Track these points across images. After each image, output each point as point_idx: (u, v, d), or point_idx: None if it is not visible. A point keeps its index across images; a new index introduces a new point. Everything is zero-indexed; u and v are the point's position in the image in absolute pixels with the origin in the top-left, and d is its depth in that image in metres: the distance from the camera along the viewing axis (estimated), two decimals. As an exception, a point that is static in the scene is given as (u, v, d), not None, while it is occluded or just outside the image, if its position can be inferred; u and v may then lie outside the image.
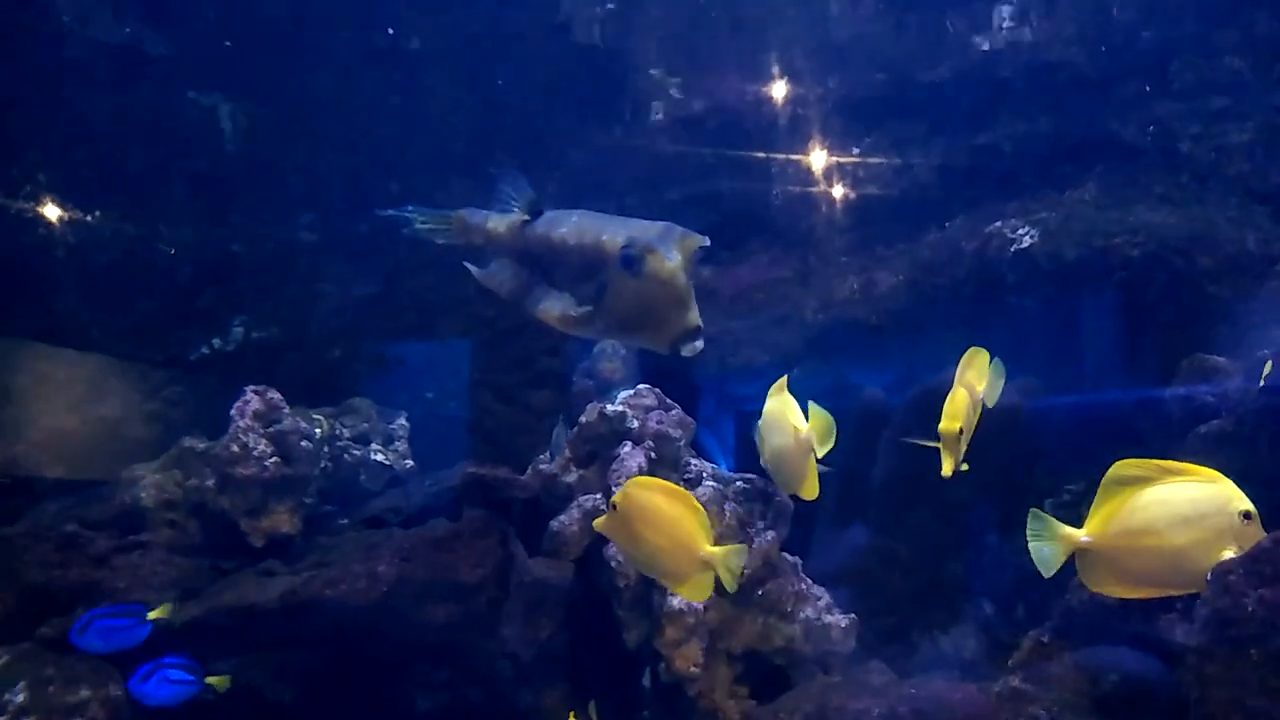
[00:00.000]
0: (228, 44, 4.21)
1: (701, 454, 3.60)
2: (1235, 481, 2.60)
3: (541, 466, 3.48)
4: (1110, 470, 1.98)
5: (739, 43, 4.51)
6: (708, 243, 2.10)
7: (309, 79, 4.36)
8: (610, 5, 4.44)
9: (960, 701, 2.72)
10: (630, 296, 2.09)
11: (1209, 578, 2.06)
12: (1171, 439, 3.07)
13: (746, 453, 4.44)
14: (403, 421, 3.85)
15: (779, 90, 4.48)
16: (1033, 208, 4.08)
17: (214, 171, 4.36)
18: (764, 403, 3.96)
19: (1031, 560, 2.70)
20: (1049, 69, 4.26)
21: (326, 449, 3.47)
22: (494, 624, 3.05)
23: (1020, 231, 3.87)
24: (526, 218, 2.29)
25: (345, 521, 3.48)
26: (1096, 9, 4.20)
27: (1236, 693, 2.08)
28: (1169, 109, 4.09)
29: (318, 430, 3.41)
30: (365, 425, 3.72)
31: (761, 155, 4.52)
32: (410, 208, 2.44)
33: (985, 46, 4.35)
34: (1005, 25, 4.33)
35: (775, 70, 4.44)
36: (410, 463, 3.74)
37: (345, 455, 3.55)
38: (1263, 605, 2.10)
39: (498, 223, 2.37)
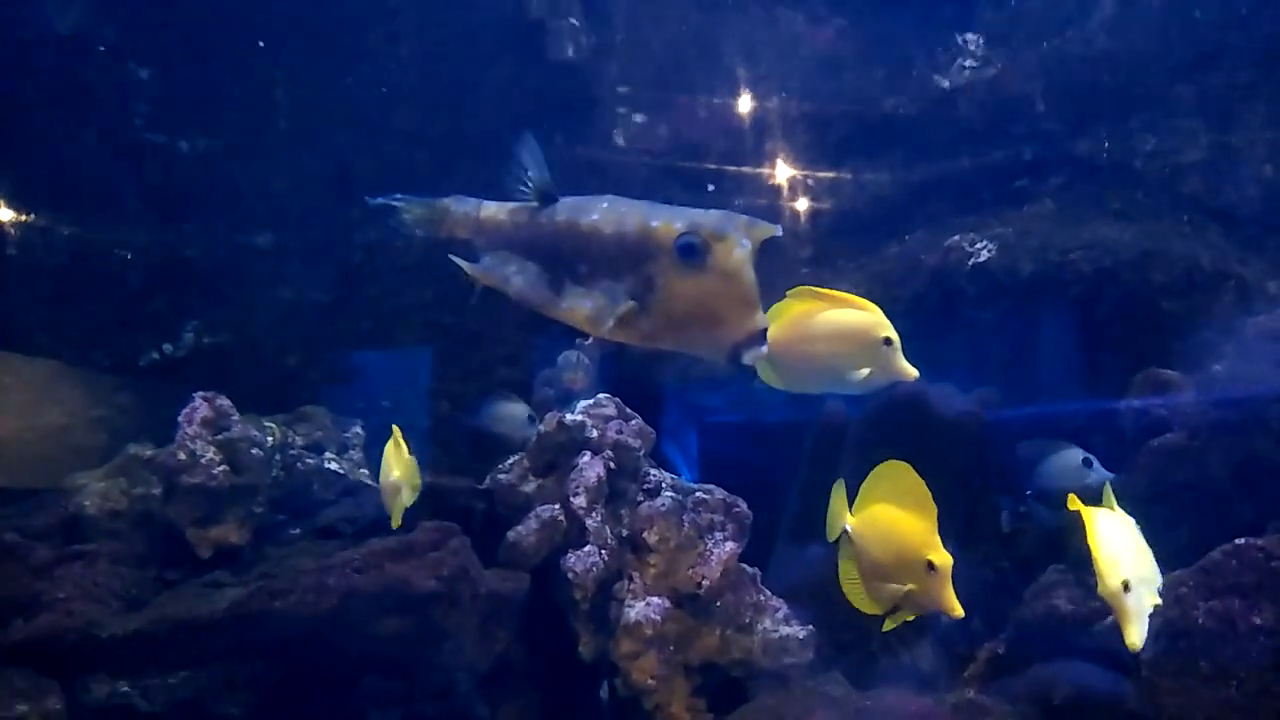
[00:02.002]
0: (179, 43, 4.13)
1: (664, 465, 3.58)
2: (1187, 495, 2.67)
3: (500, 476, 3.44)
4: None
5: (707, 63, 4.52)
6: (779, 232, 1.87)
7: (266, 86, 4.29)
8: (574, 20, 4.43)
9: (916, 714, 2.72)
10: (687, 293, 1.82)
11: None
12: (1125, 451, 3.11)
13: (708, 463, 4.46)
14: (358, 430, 3.78)
15: (743, 108, 4.49)
16: (991, 223, 4.12)
17: (167, 174, 4.27)
18: (727, 415, 3.98)
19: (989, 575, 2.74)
20: (1009, 98, 4.31)
21: (278, 457, 3.39)
22: (449, 636, 3.00)
23: (978, 246, 3.91)
24: (534, 204, 2.04)
25: (297, 531, 3.40)
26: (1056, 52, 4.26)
27: (1188, 704, 2.10)
28: (1125, 128, 4.16)
29: (269, 438, 3.34)
30: (319, 433, 3.65)
31: (727, 170, 4.52)
32: (399, 196, 2.18)
33: (946, 85, 4.40)
34: (968, 58, 4.38)
35: (740, 90, 4.45)
36: (365, 472, 3.67)
37: (298, 464, 3.48)
38: (1212, 617, 2.13)
39: (496, 210, 2.11)
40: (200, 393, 3.25)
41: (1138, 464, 3.03)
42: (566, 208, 2.01)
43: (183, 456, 3.11)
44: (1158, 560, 2.43)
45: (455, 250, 2.11)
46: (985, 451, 3.54)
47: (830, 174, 4.53)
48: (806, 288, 2.18)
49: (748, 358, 1.82)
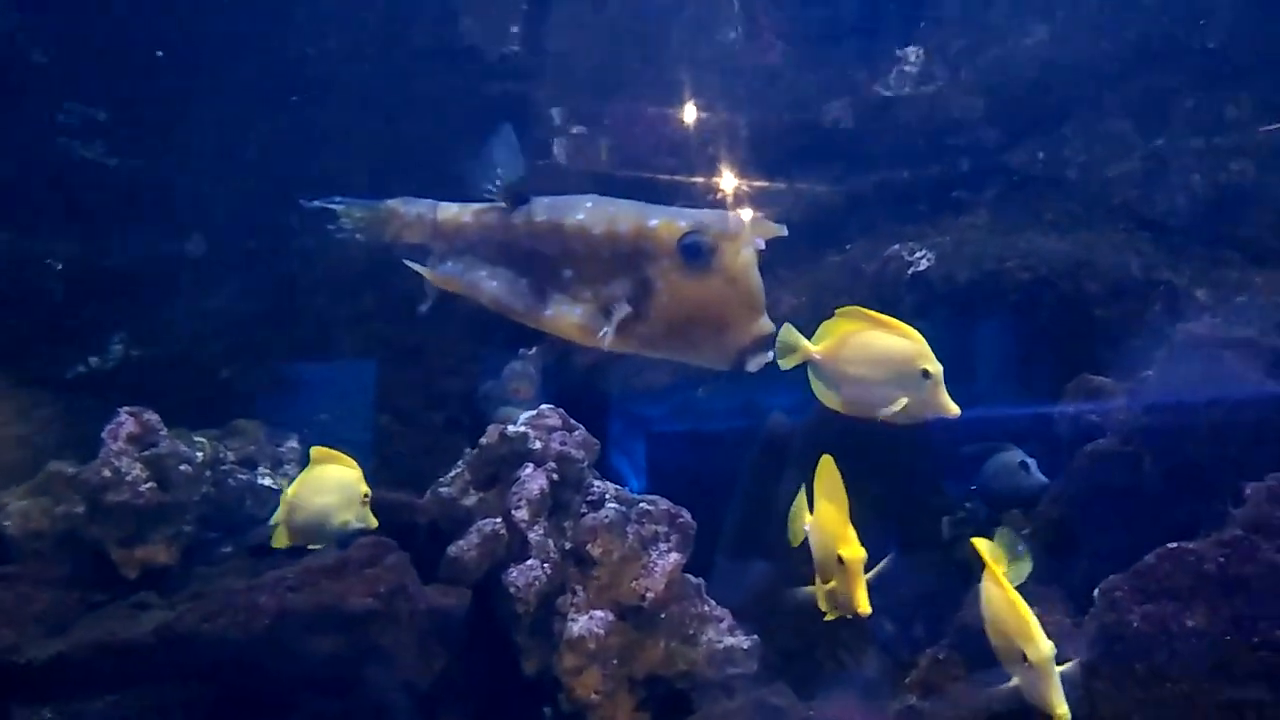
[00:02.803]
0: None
1: (611, 476, 3.55)
2: (1121, 499, 2.70)
3: (441, 490, 3.38)
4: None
5: (646, 75, 4.51)
6: (784, 232, 1.78)
7: (196, 93, 4.19)
8: (515, 29, 4.39)
9: (858, 723, 2.72)
10: (690, 296, 1.71)
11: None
12: (1059, 457, 3.15)
13: (655, 473, 4.44)
14: (293, 444, 3.68)
15: (683, 120, 4.49)
16: (929, 232, 4.17)
17: (93, 182, 4.13)
18: (673, 425, 3.94)
19: (930, 581, 2.76)
20: (947, 111, 4.37)
21: (209, 473, 3.29)
22: (387, 654, 2.93)
23: (917, 255, 3.96)
24: (502, 204, 1.89)
25: (228, 550, 3.30)
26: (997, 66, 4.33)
27: (1123, 706, 2.13)
28: (1058, 140, 4.24)
29: (199, 454, 3.23)
30: (252, 448, 3.55)
31: (664, 179, 4.51)
32: (338, 199, 2.03)
33: (887, 94, 4.45)
34: (907, 71, 4.44)
35: (680, 101, 4.45)
36: (301, 487, 3.58)
37: (229, 480, 3.37)
38: (1146, 621, 2.16)
39: (457, 212, 1.95)
40: (126, 407, 3.14)
41: (1072, 469, 3.08)
42: (544, 208, 1.87)
43: (107, 474, 3.00)
44: (1097, 563, 2.48)
45: (410, 256, 2.02)
46: (927, 457, 3.58)
47: (770, 184, 4.54)
48: (856, 308, 2.13)
49: (752, 364, 1.76)
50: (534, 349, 4.16)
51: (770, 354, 1.77)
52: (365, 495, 2.93)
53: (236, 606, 2.69)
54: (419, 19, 4.37)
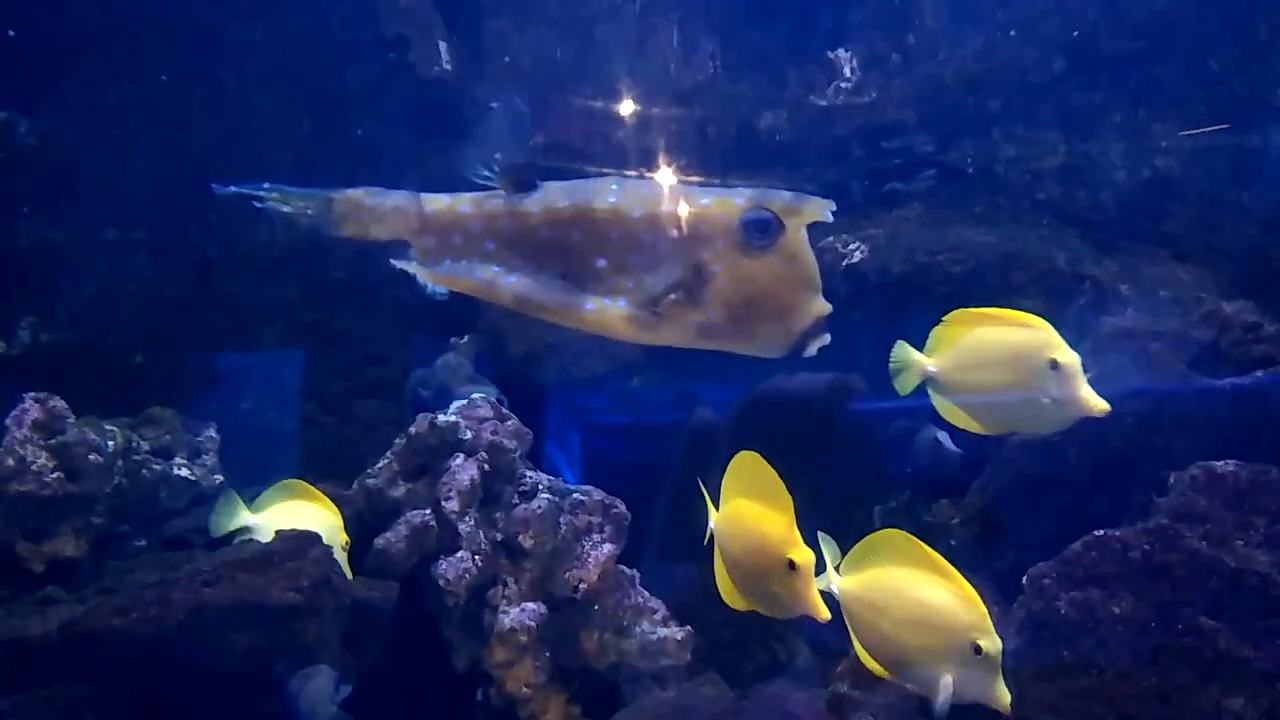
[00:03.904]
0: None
1: (546, 466, 3.50)
2: (1048, 488, 2.71)
3: (368, 481, 3.29)
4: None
5: (583, 77, 4.45)
6: (834, 207, 1.66)
7: (117, 72, 4.00)
8: (447, 42, 4.30)
9: (790, 711, 2.72)
10: (751, 279, 1.58)
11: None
12: (988, 447, 3.19)
13: (591, 464, 4.40)
14: (212, 433, 3.54)
15: (621, 122, 4.43)
16: (863, 224, 4.19)
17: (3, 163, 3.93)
18: (609, 416, 3.84)
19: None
20: (882, 121, 4.39)
21: (120, 463, 3.14)
22: (310, 650, 2.83)
23: (851, 247, 3.97)
24: (504, 192, 1.71)
25: (142, 543, 3.17)
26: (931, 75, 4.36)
27: (1051, 693, 2.15)
28: (988, 139, 4.30)
29: (110, 442, 3.09)
30: (168, 437, 3.40)
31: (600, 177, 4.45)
32: (266, 185, 1.79)
33: (823, 103, 4.45)
34: (843, 82, 4.45)
35: (617, 104, 4.39)
36: (220, 478, 3.44)
37: (143, 470, 3.23)
38: (1074, 607, 2.19)
39: (451, 203, 1.73)
40: (31, 394, 2.99)
41: (1000, 458, 3.12)
42: (564, 192, 1.70)
43: (10, 463, 2.84)
44: (1024, 552, 2.47)
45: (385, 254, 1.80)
46: (856, 446, 3.59)
47: (707, 183, 4.52)
48: (964, 310, 1.92)
49: (812, 348, 1.65)
50: (465, 338, 4.08)
51: (828, 335, 1.64)
52: (345, 544, 2.86)
53: (148, 601, 2.57)
54: (347, 7, 4.25)
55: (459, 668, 3.01)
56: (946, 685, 1.78)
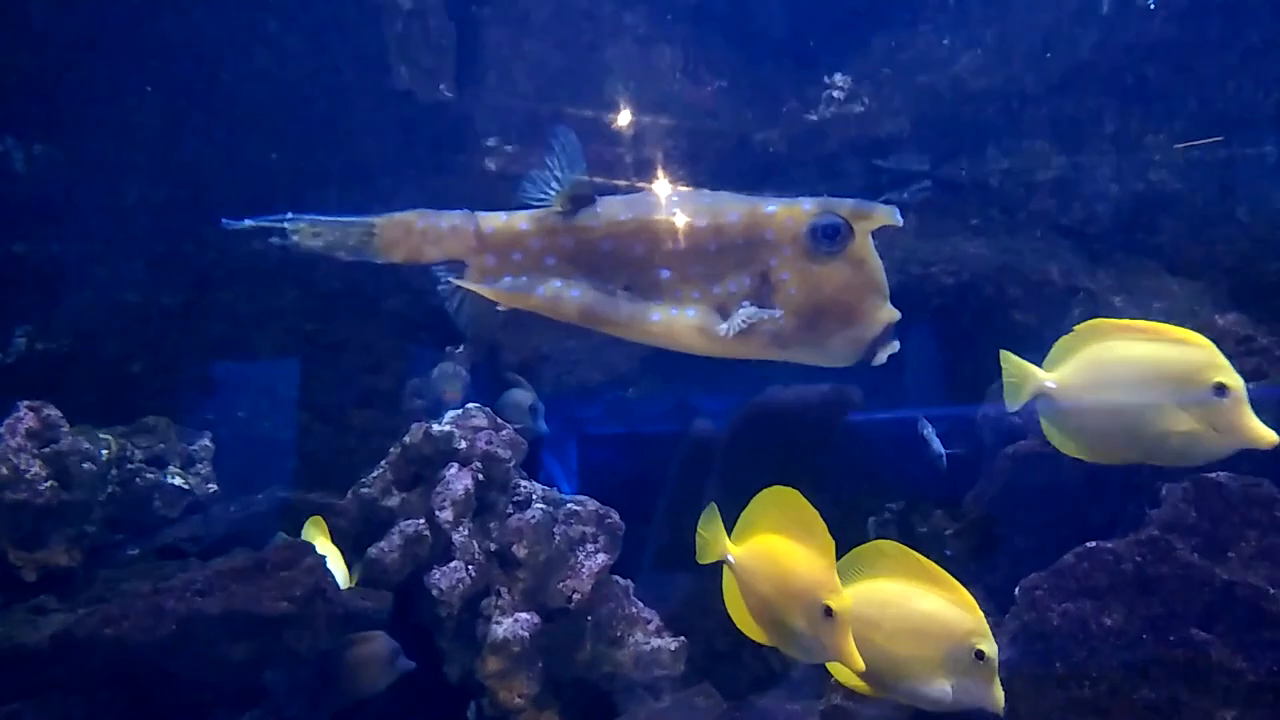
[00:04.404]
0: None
1: (544, 476, 3.50)
2: (1041, 499, 2.70)
3: (362, 490, 3.28)
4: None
5: (580, 96, 4.46)
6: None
7: (115, 87, 4.01)
8: (447, 59, 4.30)
9: (784, 723, 2.72)
10: (818, 286, 1.56)
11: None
12: (983, 458, 3.20)
13: (587, 475, 4.40)
14: (206, 442, 3.54)
15: (616, 140, 4.44)
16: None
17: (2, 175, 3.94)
18: (606, 426, 3.77)
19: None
20: (875, 136, 4.41)
21: (114, 472, 3.14)
22: (303, 660, 2.83)
23: (846, 258, 3.98)
24: (559, 209, 1.70)
25: (135, 552, 3.16)
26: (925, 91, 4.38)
27: (1043, 705, 2.15)
28: (982, 153, 4.32)
29: (104, 451, 3.08)
30: (162, 446, 3.39)
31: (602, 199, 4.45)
32: (290, 216, 1.78)
33: (814, 117, 4.47)
34: (835, 94, 4.47)
35: (613, 122, 4.40)
36: (213, 487, 3.44)
37: (137, 479, 3.23)
38: (1066, 619, 2.19)
39: (509, 220, 1.73)
40: (25, 401, 2.98)
41: (995, 469, 3.12)
42: (624, 205, 1.69)
43: (4, 471, 2.84)
44: (1018, 563, 2.46)
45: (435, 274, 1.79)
46: (852, 455, 3.59)
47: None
48: (1101, 320, 1.76)
49: (882, 355, 1.62)
50: (461, 347, 4.08)
51: (897, 343, 1.60)
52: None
53: (141, 611, 2.56)
54: (347, 36, 4.25)
55: (452, 678, 3.01)
56: (946, 694, 1.78)
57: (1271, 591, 2.11)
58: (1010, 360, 1.82)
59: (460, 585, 2.95)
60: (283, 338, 4.16)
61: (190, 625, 2.63)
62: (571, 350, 4.24)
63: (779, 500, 1.97)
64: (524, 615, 2.97)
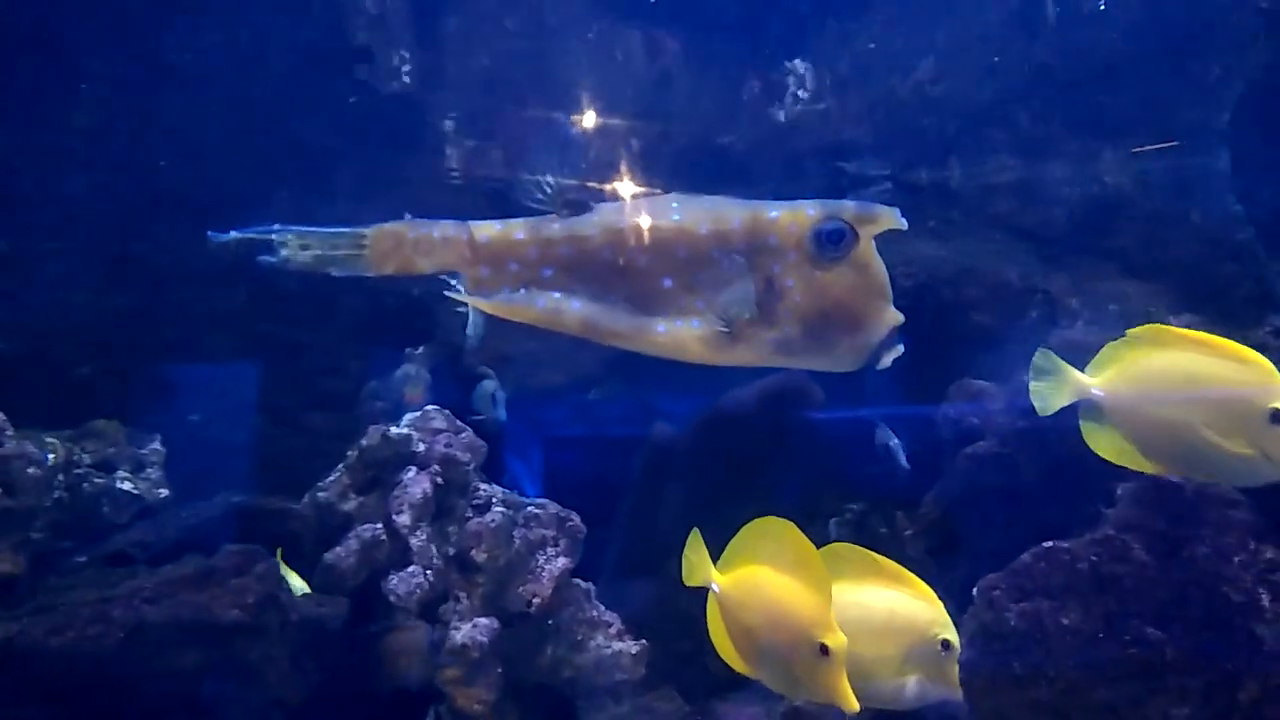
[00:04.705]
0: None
1: (508, 479, 3.47)
2: (999, 500, 2.72)
3: (318, 495, 3.24)
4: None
5: (542, 89, 4.43)
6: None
7: (67, 83, 3.92)
8: (402, 51, 4.25)
9: (746, 726, 2.71)
10: (822, 292, 1.56)
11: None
12: (943, 459, 3.21)
13: (548, 477, 4.37)
14: (156, 446, 3.45)
15: (579, 134, 4.41)
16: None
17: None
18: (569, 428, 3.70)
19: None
20: (837, 139, 4.43)
21: (61, 477, 3.05)
22: (257, 668, 2.77)
23: (808, 260, 3.99)
24: (555, 217, 1.68)
25: (83, 559, 3.07)
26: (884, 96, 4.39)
27: (1001, 705, 2.16)
28: (943, 157, 4.34)
29: (51, 455, 3.00)
30: (111, 450, 3.31)
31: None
32: (277, 227, 1.71)
33: (781, 117, 4.47)
34: (800, 94, 4.48)
35: (577, 115, 4.37)
36: (165, 492, 3.35)
37: (85, 484, 3.14)
38: (1023, 619, 2.19)
39: (503, 230, 1.68)
40: (-33, 405, 2.90)
41: (954, 470, 3.14)
42: (623, 213, 1.66)
43: (-56, 477, 2.76)
44: (976, 563, 2.47)
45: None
46: (812, 457, 3.60)
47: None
48: (1157, 326, 1.68)
49: (887, 359, 1.63)
50: (421, 349, 4.04)
51: (902, 346, 1.61)
52: None
53: (87, 619, 2.50)
54: (305, 20, 4.18)
55: (410, 684, 2.96)
56: (914, 690, 1.80)
57: (1225, 590, 2.13)
58: (1050, 360, 1.74)
59: (418, 590, 2.92)
60: (237, 339, 4.07)
61: (139, 634, 2.58)
62: (533, 352, 4.20)
63: (771, 531, 1.90)
64: (483, 620, 2.94)
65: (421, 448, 3.21)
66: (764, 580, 1.88)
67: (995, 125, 4.28)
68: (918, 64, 4.36)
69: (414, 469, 3.15)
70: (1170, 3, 3.89)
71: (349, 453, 3.26)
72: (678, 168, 4.46)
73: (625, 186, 4.37)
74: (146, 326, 4.04)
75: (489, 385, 3.88)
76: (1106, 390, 1.64)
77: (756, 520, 1.93)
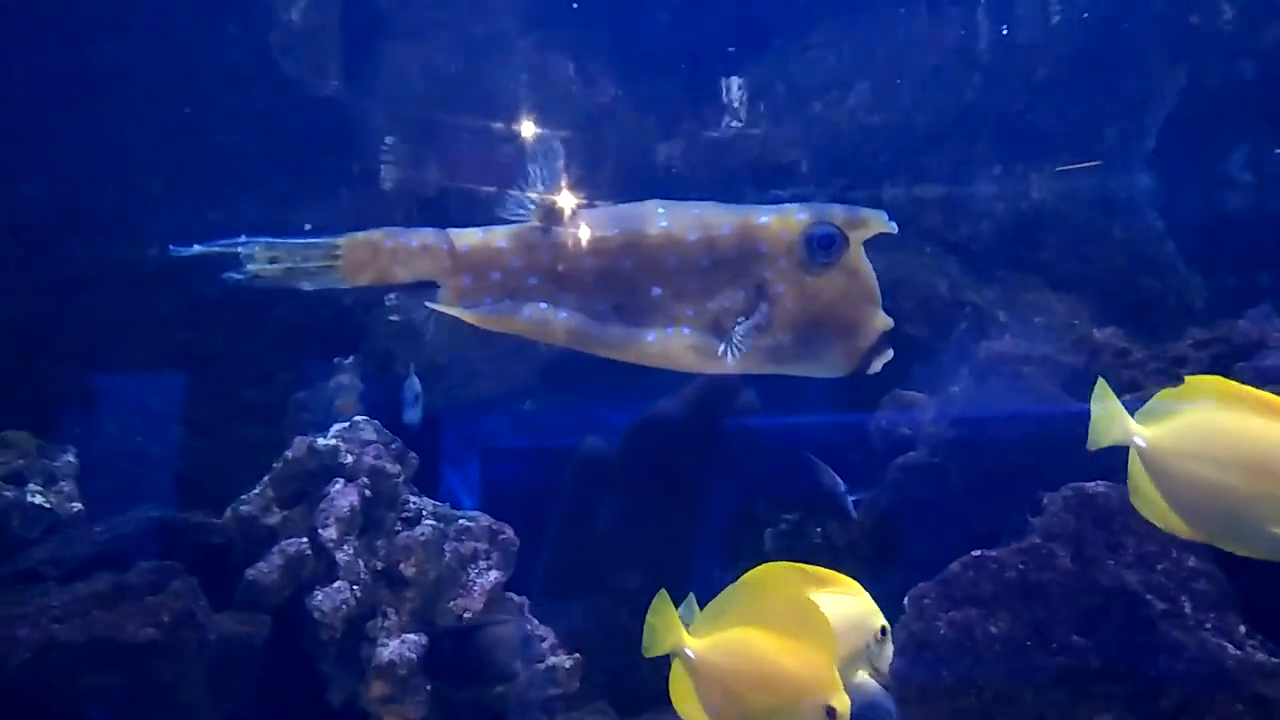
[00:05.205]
0: None
1: (444, 492, 3.40)
2: (930, 509, 2.74)
3: (241, 509, 3.13)
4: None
5: (476, 106, 4.38)
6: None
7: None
8: (332, 65, 4.17)
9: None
10: (814, 298, 1.53)
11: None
12: (874, 469, 3.24)
13: (482, 489, 4.30)
14: (70, 458, 3.31)
15: (515, 150, 4.37)
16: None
17: None
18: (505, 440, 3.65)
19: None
20: (775, 161, 4.45)
21: (-33, 491, 2.92)
22: (172, 690, 2.66)
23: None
24: (535, 224, 1.62)
25: (-11, 576, 2.94)
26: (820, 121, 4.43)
27: (931, 714, 2.17)
28: (875, 176, 4.40)
29: (-46, 468, 2.86)
30: (21, 462, 3.16)
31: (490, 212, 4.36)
32: (244, 239, 1.61)
33: (715, 134, 4.48)
34: (735, 110, 4.50)
35: (511, 133, 4.33)
36: (78, 506, 3.21)
37: (-8, 498, 3.01)
38: (953, 628, 2.21)
39: (484, 238, 1.61)
40: None
41: (886, 480, 3.16)
42: (610, 220, 1.61)
43: None
44: (909, 572, 2.48)
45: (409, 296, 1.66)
46: (745, 466, 3.59)
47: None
48: (1221, 381, 1.53)
49: (877, 364, 1.60)
50: (350, 358, 3.95)
51: (891, 351, 1.59)
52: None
53: (-11, 641, 2.38)
54: (231, 31, 4.07)
55: (335, 704, 2.88)
56: (859, 689, 1.77)
57: (1148, 597, 2.17)
58: (1105, 396, 1.61)
59: (344, 606, 2.83)
60: (159, 347, 3.94)
61: (47, 655, 2.46)
62: (466, 360, 4.14)
63: (764, 584, 1.78)
64: (411, 636, 2.87)
65: (350, 459, 3.12)
66: (753, 641, 1.73)
67: (928, 145, 4.35)
68: (854, 86, 4.41)
69: (341, 481, 3.06)
70: (1097, 31, 4.00)
71: (274, 465, 3.16)
72: (613, 184, 4.45)
73: (565, 200, 4.35)
74: (63, 334, 3.89)
75: (413, 384, 3.80)
76: (1152, 442, 1.53)
77: (747, 574, 1.79)
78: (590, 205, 1.71)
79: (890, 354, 1.61)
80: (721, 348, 1.56)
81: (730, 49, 4.41)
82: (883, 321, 1.61)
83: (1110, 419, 1.60)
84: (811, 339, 1.58)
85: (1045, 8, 4.07)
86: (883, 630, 1.81)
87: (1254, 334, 2.80)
